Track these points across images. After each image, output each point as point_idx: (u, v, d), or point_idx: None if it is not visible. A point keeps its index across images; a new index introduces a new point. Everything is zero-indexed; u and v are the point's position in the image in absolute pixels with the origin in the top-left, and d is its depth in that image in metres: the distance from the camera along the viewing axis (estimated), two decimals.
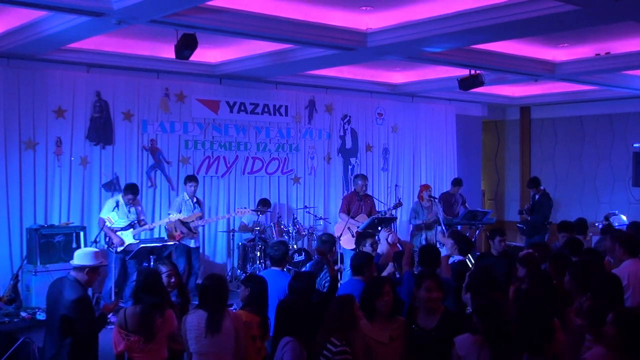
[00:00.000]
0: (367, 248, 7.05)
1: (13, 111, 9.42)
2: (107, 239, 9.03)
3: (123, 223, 9.07)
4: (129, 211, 9.13)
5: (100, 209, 9.66)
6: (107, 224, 8.93)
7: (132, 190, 9.17)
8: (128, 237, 9.05)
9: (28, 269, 8.92)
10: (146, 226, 9.31)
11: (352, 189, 10.71)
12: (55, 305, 5.28)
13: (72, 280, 5.29)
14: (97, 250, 5.68)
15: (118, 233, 9.00)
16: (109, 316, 8.43)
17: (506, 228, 10.27)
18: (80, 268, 5.32)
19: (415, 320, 4.83)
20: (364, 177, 10.74)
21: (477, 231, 11.65)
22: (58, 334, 5.21)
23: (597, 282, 5.12)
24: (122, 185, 10.25)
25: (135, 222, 9.16)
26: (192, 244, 9.78)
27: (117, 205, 9.09)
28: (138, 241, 9.14)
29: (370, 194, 11.00)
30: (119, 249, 8.96)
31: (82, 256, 5.40)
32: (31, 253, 8.96)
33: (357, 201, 10.41)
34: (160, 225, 9.90)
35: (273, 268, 6.38)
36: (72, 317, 5.13)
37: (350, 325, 4.51)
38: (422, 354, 4.72)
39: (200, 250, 10.79)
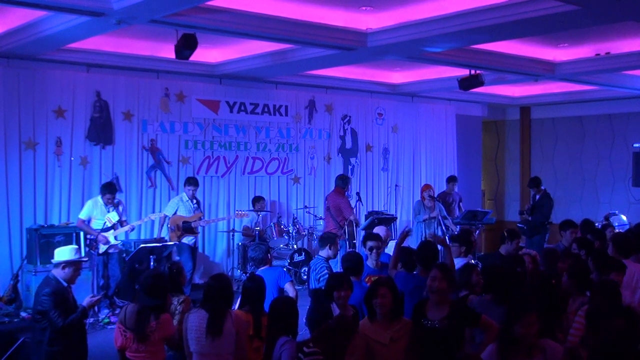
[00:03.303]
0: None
1: (13, 111, 9.42)
2: (87, 241, 8.92)
3: (102, 224, 8.93)
4: (109, 212, 8.99)
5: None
6: (107, 224, 8.91)
7: (109, 189, 9.02)
8: (110, 239, 8.96)
9: (28, 269, 8.90)
10: (127, 226, 9.13)
11: (334, 189, 10.63)
12: (35, 303, 5.57)
13: (50, 278, 5.55)
14: (75, 247, 5.80)
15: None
16: (107, 313, 8.53)
17: (504, 228, 10.26)
18: (57, 264, 5.58)
19: (425, 314, 4.82)
20: None
21: (477, 231, 11.64)
22: (37, 329, 5.48)
23: (597, 285, 5.12)
24: (123, 185, 10.28)
25: (117, 223, 8.99)
26: (190, 242, 9.75)
27: (96, 205, 9.00)
28: (119, 242, 9.10)
29: None
30: (101, 250, 8.91)
31: (58, 253, 5.64)
32: (31, 253, 8.94)
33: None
34: (147, 223, 9.95)
35: (262, 267, 6.40)
36: (44, 311, 5.36)
37: (339, 347, 4.33)
38: (430, 345, 4.70)
39: (200, 250, 10.82)
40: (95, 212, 8.99)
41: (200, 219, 9.77)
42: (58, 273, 5.56)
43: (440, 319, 4.70)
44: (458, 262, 6.49)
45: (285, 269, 7.20)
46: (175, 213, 9.72)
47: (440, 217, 10.94)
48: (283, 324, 4.67)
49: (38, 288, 5.58)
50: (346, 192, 10.71)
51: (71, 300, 5.56)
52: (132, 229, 9.49)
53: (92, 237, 8.87)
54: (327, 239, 6.89)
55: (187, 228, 9.58)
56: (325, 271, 6.52)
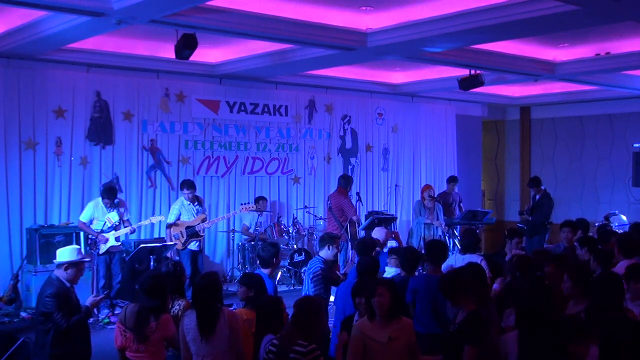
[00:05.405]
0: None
1: (13, 111, 9.42)
2: (89, 241, 8.92)
3: (101, 225, 8.89)
4: (110, 212, 8.93)
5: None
6: (108, 224, 8.90)
7: (107, 194, 8.92)
8: (110, 240, 8.94)
9: (28, 269, 8.92)
10: (127, 228, 9.05)
11: (337, 189, 10.64)
12: (38, 304, 5.56)
13: (53, 279, 5.54)
14: (77, 247, 5.80)
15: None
16: (107, 313, 8.52)
17: (506, 228, 10.27)
18: (59, 265, 5.56)
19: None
20: None
21: (477, 231, 11.63)
22: (40, 330, 5.47)
23: (598, 282, 5.09)
24: (123, 186, 10.28)
25: (118, 223, 8.97)
26: (195, 246, 9.66)
27: (97, 207, 8.98)
28: (120, 243, 9.06)
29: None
30: (101, 251, 8.90)
31: (60, 254, 5.63)
32: (31, 253, 8.95)
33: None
34: (147, 225, 10.00)
35: (261, 270, 6.26)
36: (48, 312, 5.35)
37: (316, 328, 4.38)
38: (444, 349, 4.75)
39: None
40: (97, 214, 8.96)
41: (203, 220, 9.67)
42: (61, 274, 5.53)
43: (455, 323, 4.70)
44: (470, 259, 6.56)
45: (284, 270, 7.18)
46: (178, 218, 9.62)
47: (440, 219, 10.98)
48: (268, 322, 4.66)
49: (41, 289, 5.55)
50: (348, 192, 10.72)
51: (74, 301, 5.55)
52: (133, 231, 9.38)
53: (92, 237, 8.87)
54: (327, 240, 6.86)
55: (191, 233, 9.52)
56: (319, 271, 6.50)
